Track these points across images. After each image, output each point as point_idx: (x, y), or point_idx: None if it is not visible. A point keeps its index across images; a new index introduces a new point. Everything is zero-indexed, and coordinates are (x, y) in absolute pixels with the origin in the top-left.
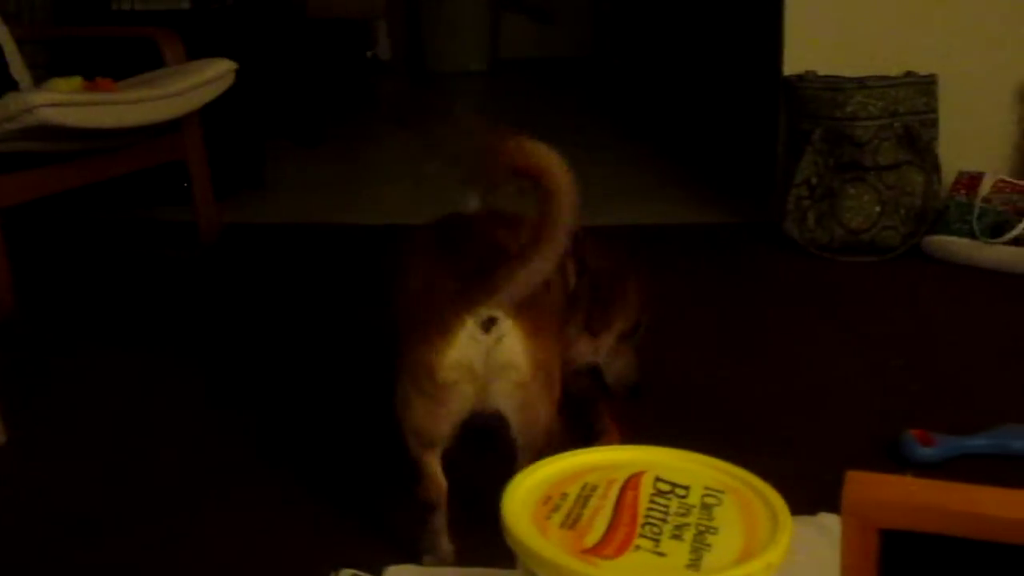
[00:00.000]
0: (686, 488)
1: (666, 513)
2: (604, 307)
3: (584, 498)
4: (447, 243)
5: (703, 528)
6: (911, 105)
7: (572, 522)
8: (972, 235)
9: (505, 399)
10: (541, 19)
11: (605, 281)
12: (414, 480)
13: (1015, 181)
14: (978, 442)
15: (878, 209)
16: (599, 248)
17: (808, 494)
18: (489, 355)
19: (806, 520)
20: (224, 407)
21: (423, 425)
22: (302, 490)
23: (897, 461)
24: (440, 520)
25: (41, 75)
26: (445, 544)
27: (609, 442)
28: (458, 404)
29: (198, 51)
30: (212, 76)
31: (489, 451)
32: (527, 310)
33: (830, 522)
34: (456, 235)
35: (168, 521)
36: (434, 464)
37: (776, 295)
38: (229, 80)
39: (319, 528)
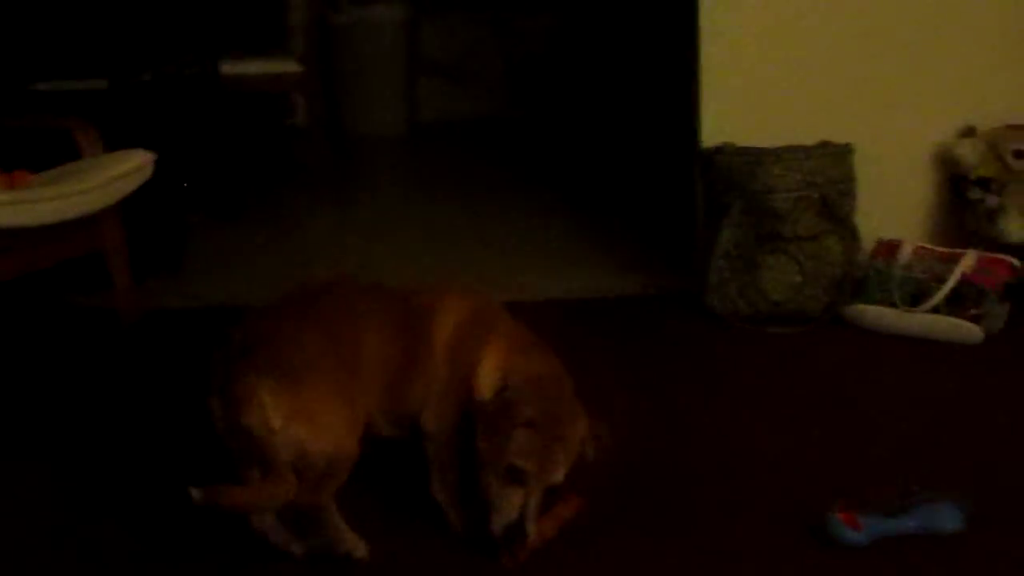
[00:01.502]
0: None
1: None
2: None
3: None
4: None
5: None
6: (828, 175)
7: None
8: (893, 303)
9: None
10: (456, 80)
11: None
12: None
13: (934, 247)
14: (905, 523)
15: (799, 279)
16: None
17: None
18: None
19: None
20: (144, 502)
21: None
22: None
23: (824, 544)
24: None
25: None
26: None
27: (564, 511)
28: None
29: (116, 130)
30: (129, 169)
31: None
32: (280, 377)
33: None
34: (268, 312)
35: None
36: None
37: (698, 369)
38: (147, 172)
39: None
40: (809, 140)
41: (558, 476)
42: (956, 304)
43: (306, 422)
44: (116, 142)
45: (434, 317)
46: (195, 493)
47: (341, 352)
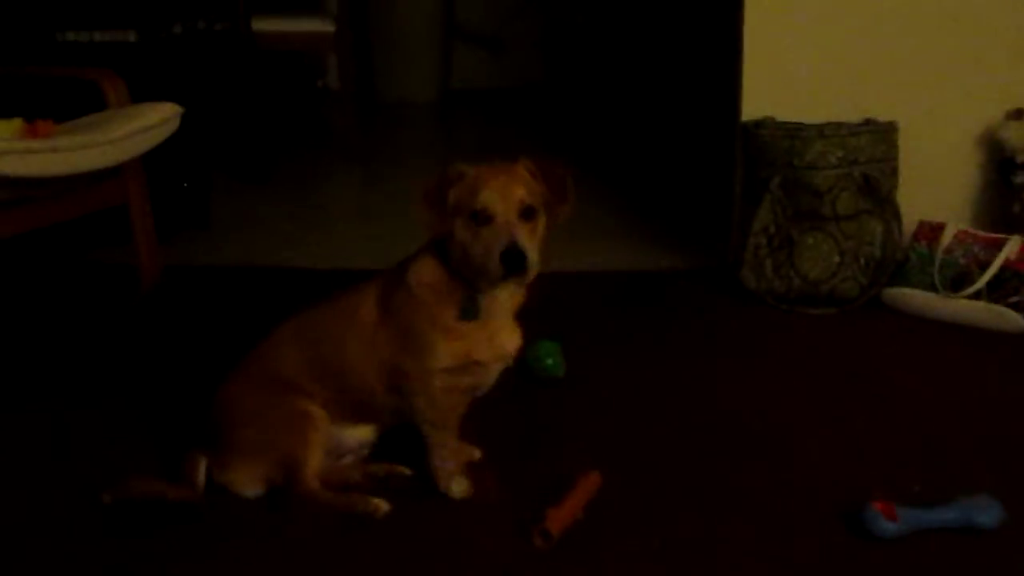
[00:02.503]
0: None
1: None
2: None
3: None
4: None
5: None
6: (871, 153)
7: None
8: (933, 287)
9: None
10: (493, 49)
11: None
12: None
13: (976, 232)
14: (942, 516)
15: (837, 259)
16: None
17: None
18: None
19: None
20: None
21: None
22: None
23: (860, 535)
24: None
25: None
26: None
27: (587, 488)
28: None
29: (145, 84)
30: (155, 121)
31: None
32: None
33: None
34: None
35: None
36: None
37: (732, 347)
38: (173, 125)
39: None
40: (853, 117)
41: (520, 196)
42: (998, 290)
43: (230, 474)
44: (144, 96)
45: (358, 298)
46: (106, 496)
47: (284, 399)
